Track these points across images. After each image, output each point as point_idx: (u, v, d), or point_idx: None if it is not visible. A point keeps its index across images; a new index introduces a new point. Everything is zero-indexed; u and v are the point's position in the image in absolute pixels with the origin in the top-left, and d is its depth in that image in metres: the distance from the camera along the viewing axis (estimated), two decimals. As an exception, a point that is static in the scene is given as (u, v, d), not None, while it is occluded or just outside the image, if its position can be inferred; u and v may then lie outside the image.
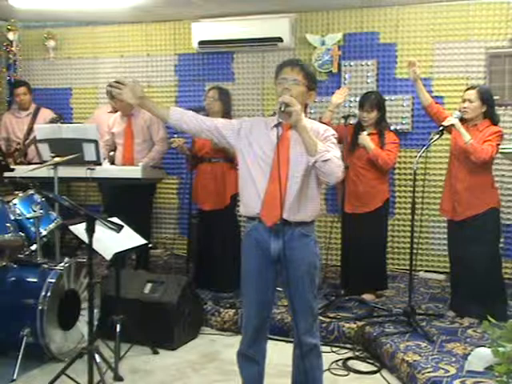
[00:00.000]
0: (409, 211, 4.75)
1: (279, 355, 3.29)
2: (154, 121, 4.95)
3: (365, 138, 4.20)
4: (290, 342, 2.91)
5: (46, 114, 5.58)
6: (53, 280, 3.52)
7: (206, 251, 4.65)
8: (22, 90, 5.55)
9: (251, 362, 2.78)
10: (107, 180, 4.70)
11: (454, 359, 3.28)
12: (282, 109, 2.44)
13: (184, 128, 2.73)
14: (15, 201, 3.89)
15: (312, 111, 5.33)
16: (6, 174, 4.44)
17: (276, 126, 2.60)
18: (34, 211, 3.84)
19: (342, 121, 4.34)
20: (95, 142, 4.50)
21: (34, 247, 3.86)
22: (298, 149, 2.57)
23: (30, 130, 5.38)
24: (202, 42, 5.53)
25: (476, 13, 4.96)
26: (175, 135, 5.18)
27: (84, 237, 3.06)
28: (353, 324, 3.93)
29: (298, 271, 2.62)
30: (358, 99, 4.51)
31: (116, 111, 5.22)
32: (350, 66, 5.30)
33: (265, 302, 2.72)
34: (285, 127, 2.62)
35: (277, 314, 4.01)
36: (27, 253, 3.86)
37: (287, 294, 2.68)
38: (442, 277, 5.01)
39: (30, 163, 5.14)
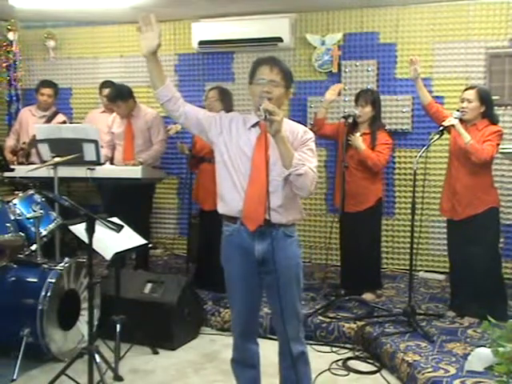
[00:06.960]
0: (409, 211, 4.74)
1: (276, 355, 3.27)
2: (155, 123, 4.96)
3: (356, 139, 4.19)
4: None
5: (60, 120, 5.45)
6: (53, 280, 3.52)
7: (206, 251, 4.65)
8: (48, 91, 5.41)
9: (246, 367, 2.72)
10: (107, 180, 4.70)
11: (454, 359, 3.28)
12: (263, 116, 2.33)
13: (169, 106, 2.61)
14: (15, 201, 3.89)
15: (311, 110, 5.34)
16: (6, 174, 4.44)
17: (254, 125, 2.55)
18: (34, 211, 3.84)
19: (343, 120, 4.33)
20: (95, 142, 4.49)
21: (34, 247, 3.86)
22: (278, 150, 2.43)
23: None
24: (201, 42, 5.53)
25: (476, 13, 4.95)
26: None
27: (84, 237, 3.06)
28: (353, 324, 3.93)
29: (285, 273, 2.52)
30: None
31: (111, 111, 5.20)
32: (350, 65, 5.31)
33: (252, 307, 2.67)
34: (263, 126, 2.49)
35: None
36: (27, 253, 3.87)
37: (272, 299, 2.57)
38: (442, 277, 5.00)
39: (30, 163, 5.13)
